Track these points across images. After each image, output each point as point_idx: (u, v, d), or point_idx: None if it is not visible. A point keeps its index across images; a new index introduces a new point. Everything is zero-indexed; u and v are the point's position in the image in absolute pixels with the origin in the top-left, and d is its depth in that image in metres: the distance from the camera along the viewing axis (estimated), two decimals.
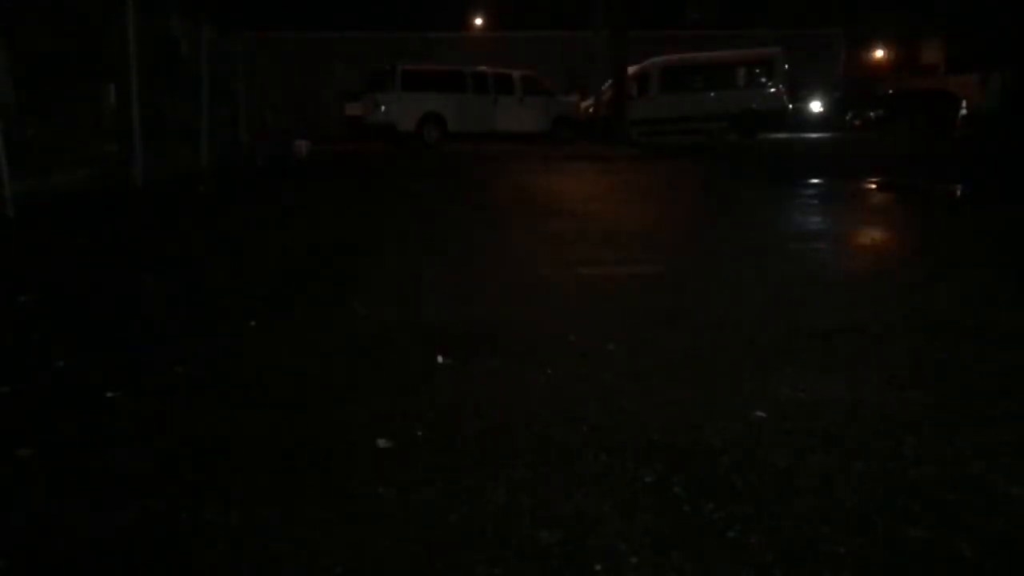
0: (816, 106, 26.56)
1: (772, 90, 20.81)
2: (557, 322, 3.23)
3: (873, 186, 9.22)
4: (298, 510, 1.71)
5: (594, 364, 2.69)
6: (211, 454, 2.00)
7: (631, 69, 20.35)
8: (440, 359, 2.73)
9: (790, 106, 21.65)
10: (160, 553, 1.57)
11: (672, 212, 7.59)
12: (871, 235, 5.94)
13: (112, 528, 1.65)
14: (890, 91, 25.59)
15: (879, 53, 32.53)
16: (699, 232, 6.08)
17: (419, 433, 2.09)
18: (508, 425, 2.15)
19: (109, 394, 2.40)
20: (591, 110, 22.24)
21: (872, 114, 24.29)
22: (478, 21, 31.88)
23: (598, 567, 1.50)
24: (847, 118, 25.03)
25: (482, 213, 7.06)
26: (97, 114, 9.94)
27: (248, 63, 14.08)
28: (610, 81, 20.68)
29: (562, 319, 3.29)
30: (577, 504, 1.73)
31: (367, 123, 20.29)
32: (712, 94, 20.92)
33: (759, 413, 2.23)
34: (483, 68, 20.97)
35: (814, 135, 22.49)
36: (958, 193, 8.58)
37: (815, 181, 9.56)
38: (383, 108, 19.69)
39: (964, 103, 20.83)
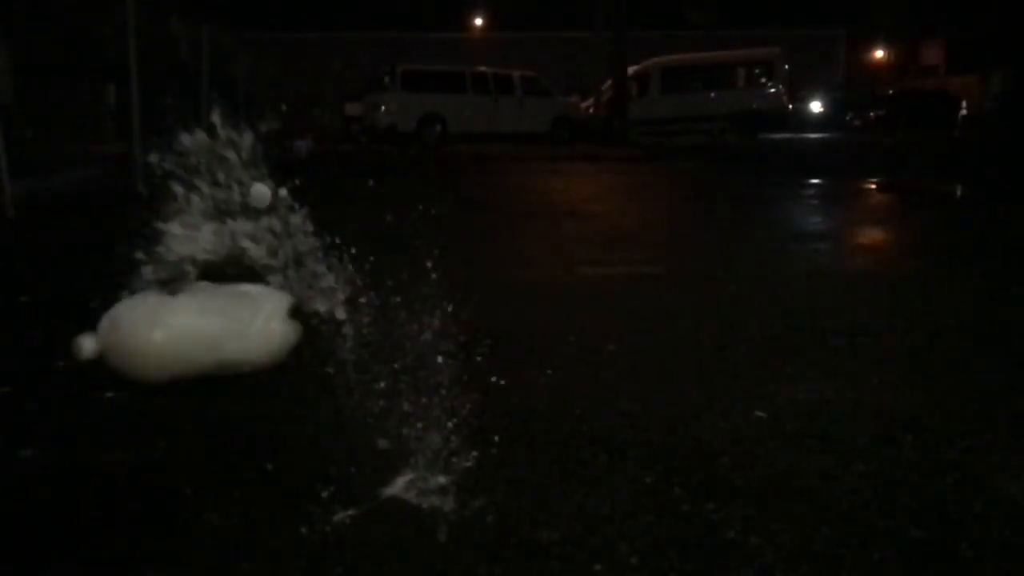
0: (816, 106, 26.57)
1: (772, 90, 20.82)
2: (557, 322, 3.23)
3: (873, 186, 9.22)
4: (298, 510, 1.71)
5: (594, 364, 2.69)
6: (210, 453, 2.00)
7: (631, 69, 20.35)
8: (438, 359, 2.73)
9: (790, 106, 21.66)
10: (160, 553, 1.57)
11: (672, 212, 7.59)
12: (871, 235, 5.94)
13: (112, 528, 1.65)
14: (890, 91, 25.61)
15: (879, 53, 32.53)
16: (699, 232, 6.08)
17: (418, 433, 2.09)
18: (507, 425, 2.15)
19: (109, 394, 2.40)
20: (591, 110, 22.25)
21: (872, 114, 24.32)
22: (478, 21, 31.87)
23: (598, 567, 1.50)
24: (847, 118, 25.05)
25: (481, 213, 7.06)
26: (97, 114, 9.96)
27: (248, 63, 14.08)
28: (610, 81, 20.68)
29: (562, 319, 3.29)
30: (577, 504, 1.73)
31: (367, 123, 20.30)
32: (712, 94, 20.93)
33: (759, 413, 2.23)
34: (483, 68, 20.97)
35: (814, 135, 22.49)
36: (958, 193, 8.58)
37: (815, 181, 9.57)
38: (383, 108, 19.70)
39: (964, 103, 20.84)
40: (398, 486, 1.81)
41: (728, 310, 3.44)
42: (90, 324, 2.41)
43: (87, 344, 2.32)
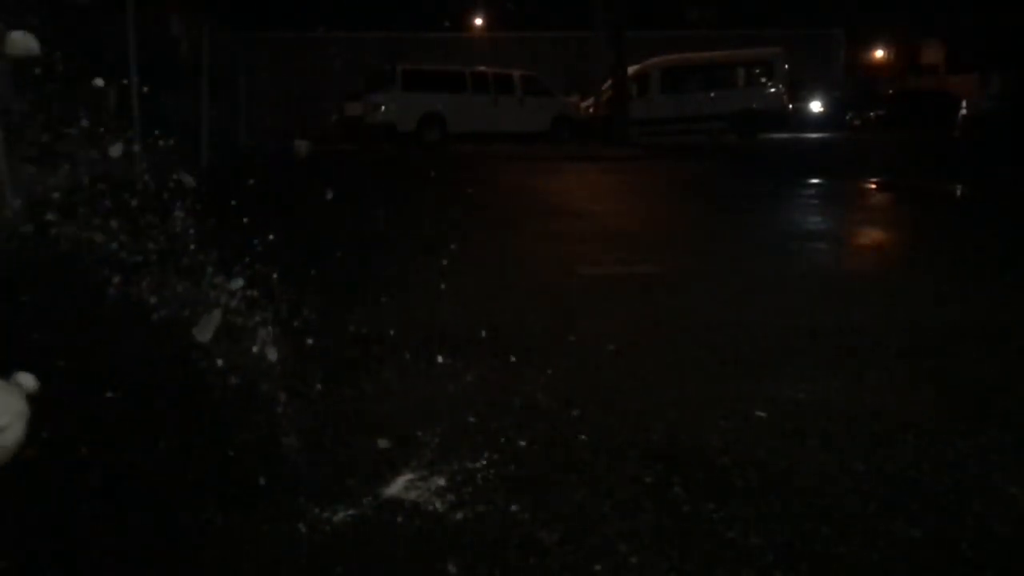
0: (816, 106, 26.56)
1: (772, 90, 20.80)
2: (557, 322, 3.23)
3: (873, 186, 9.22)
4: (298, 510, 1.71)
5: (594, 364, 2.69)
6: (211, 453, 2.00)
7: (631, 69, 20.33)
8: (439, 359, 2.73)
9: (790, 106, 21.64)
10: (160, 553, 1.57)
11: (672, 212, 7.59)
12: (871, 235, 5.94)
13: (112, 528, 1.65)
14: (890, 91, 25.62)
15: (879, 53, 32.53)
16: (699, 232, 6.08)
17: (419, 434, 2.09)
18: (508, 426, 2.15)
19: (109, 394, 2.40)
20: (591, 110, 22.24)
21: (872, 114, 24.34)
22: (478, 21, 31.85)
23: (598, 567, 1.50)
24: (847, 118, 25.05)
25: (481, 213, 7.05)
26: (97, 115, 9.94)
27: (248, 63, 14.08)
28: (610, 81, 20.66)
29: (562, 319, 3.29)
30: (577, 504, 1.73)
31: (367, 123, 20.28)
32: (712, 94, 20.91)
33: (759, 413, 2.23)
34: (483, 68, 20.97)
35: (814, 135, 22.48)
36: (958, 193, 8.58)
37: (815, 181, 9.57)
38: (383, 108, 19.69)
39: (964, 103, 20.84)
40: (398, 486, 1.81)
41: (728, 310, 3.44)
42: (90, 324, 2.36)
43: None
